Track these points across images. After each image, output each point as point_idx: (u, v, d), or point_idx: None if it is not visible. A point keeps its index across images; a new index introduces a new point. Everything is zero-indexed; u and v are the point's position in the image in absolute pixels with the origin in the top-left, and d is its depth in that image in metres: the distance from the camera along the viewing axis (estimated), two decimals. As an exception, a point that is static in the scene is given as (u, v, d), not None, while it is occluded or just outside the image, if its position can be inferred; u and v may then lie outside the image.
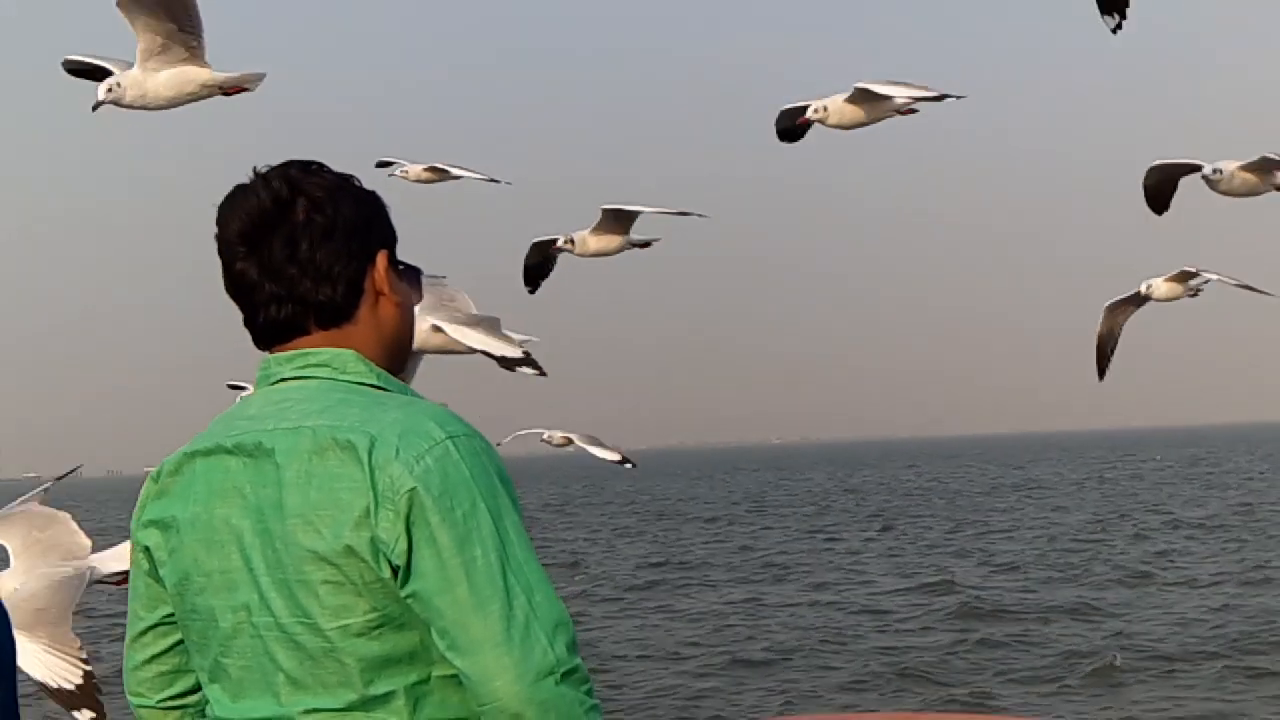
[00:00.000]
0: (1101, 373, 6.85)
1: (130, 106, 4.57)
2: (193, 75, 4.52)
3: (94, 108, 4.56)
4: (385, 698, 1.82)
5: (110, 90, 4.52)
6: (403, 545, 1.78)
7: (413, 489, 1.78)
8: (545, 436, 8.65)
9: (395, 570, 1.79)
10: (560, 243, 5.94)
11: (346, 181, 2.01)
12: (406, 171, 5.86)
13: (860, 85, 5.46)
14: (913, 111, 5.61)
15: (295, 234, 1.94)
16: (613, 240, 5.94)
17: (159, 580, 1.98)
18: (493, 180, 5.88)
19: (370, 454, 1.79)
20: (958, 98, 5.43)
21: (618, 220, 5.89)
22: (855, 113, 5.53)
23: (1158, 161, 6.05)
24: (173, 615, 1.98)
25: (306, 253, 1.94)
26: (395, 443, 1.80)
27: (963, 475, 69.39)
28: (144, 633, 2.03)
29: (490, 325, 4.64)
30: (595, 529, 38.72)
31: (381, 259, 2.00)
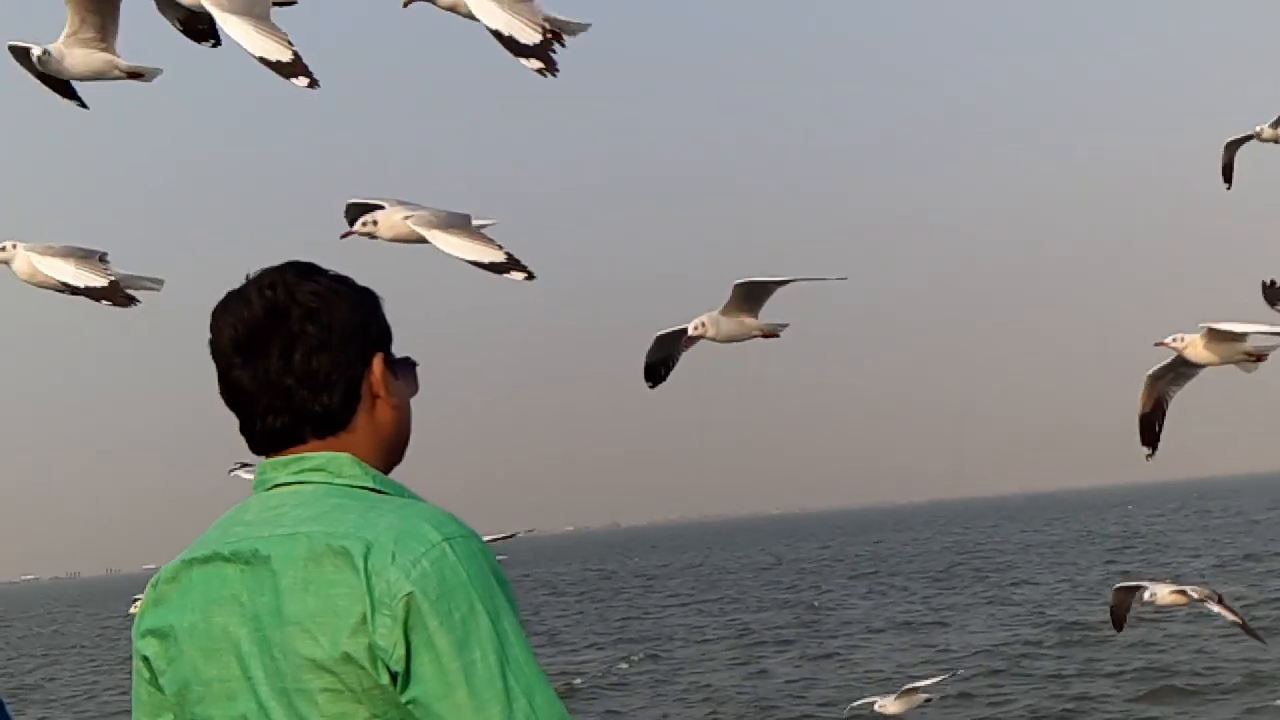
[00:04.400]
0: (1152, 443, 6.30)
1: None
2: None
3: None
4: None
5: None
6: (401, 651, 1.77)
7: (410, 593, 1.77)
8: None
9: (394, 676, 1.78)
10: None
11: (342, 284, 2.00)
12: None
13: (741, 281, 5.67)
14: (775, 336, 5.90)
15: (291, 344, 1.93)
16: None
17: (160, 689, 1.96)
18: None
19: (366, 560, 1.79)
20: (839, 279, 5.80)
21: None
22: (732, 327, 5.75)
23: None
24: None
25: (302, 363, 1.94)
26: (391, 548, 1.79)
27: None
28: None
29: (465, 228, 4.53)
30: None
31: (378, 363, 2.00)
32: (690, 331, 5.79)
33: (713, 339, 5.84)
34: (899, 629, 26.48)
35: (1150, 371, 6.23)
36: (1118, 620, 8.96)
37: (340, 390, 1.96)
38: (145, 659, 1.97)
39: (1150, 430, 6.28)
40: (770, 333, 5.89)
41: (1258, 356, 5.81)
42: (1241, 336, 5.62)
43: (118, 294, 4.73)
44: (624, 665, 23.82)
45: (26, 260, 4.81)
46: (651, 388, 6.25)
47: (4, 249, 4.92)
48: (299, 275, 1.98)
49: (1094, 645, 21.34)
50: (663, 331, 6.01)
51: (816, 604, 33.27)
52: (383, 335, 2.04)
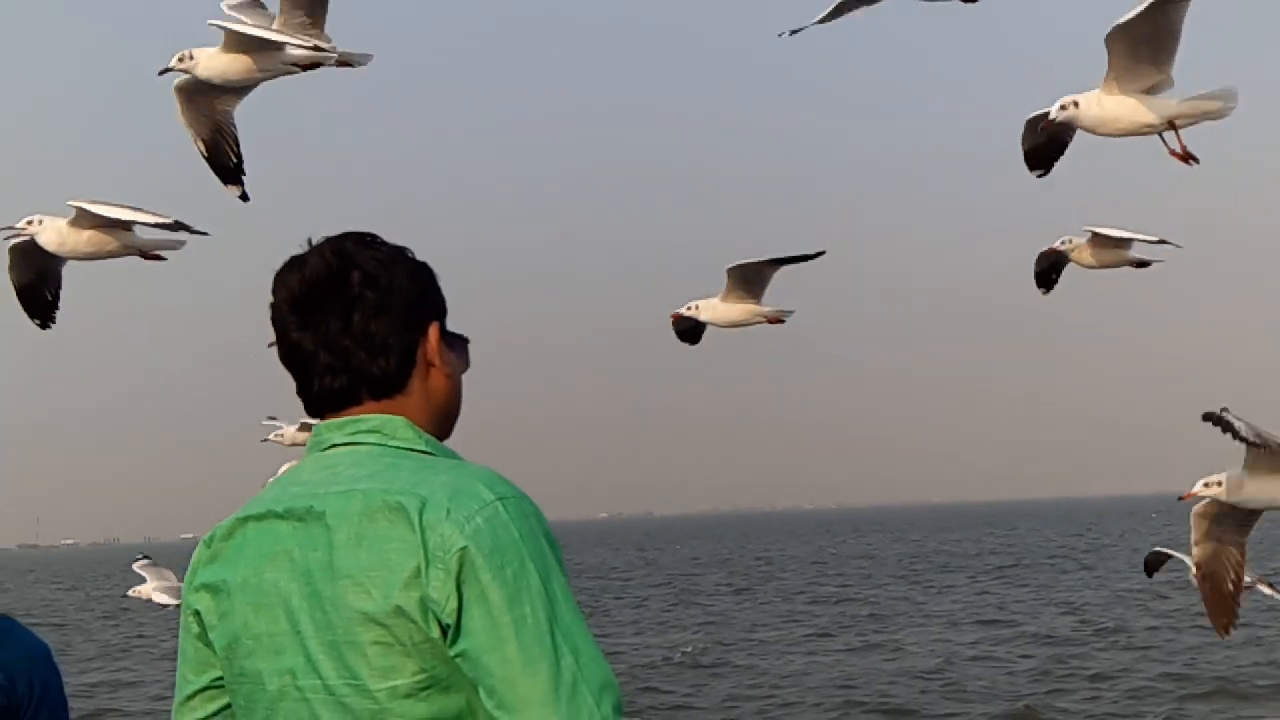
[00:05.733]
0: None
1: None
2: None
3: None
4: None
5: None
6: (453, 604, 1.79)
7: (464, 547, 1.79)
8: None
9: (445, 630, 1.80)
10: None
11: (400, 254, 2.05)
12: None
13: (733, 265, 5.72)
14: (780, 321, 5.92)
15: (350, 307, 1.97)
16: None
17: (208, 644, 2.00)
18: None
19: (421, 515, 1.81)
20: (818, 254, 5.79)
21: None
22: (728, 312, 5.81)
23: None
24: (221, 679, 2.00)
25: (360, 325, 1.98)
26: (446, 504, 1.82)
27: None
28: (192, 696, 2.04)
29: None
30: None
31: (433, 331, 2.04)
32: (683, 312, 5.80)
33: (710, 323, 5.85)
34: (948, 625, 26.37)
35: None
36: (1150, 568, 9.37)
37: (397, 354, 2.00)
38: (196, 613, 2.00)
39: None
40: (775, 318, 5.87)
41: (1140, 264, 5.71)
42: (1126, 243, 5.55)
43: (183, 226, 4.97)
44: (688, 649, 23.91)
45: (56, 230, 4.95)
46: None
47: (30, 222, 5.00)
48: (359, 242, 2.03)
49: (1142, 648, 21.16)
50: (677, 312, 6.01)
51: (875, 600, 33.17)
52: (439, 306, 2.08)
